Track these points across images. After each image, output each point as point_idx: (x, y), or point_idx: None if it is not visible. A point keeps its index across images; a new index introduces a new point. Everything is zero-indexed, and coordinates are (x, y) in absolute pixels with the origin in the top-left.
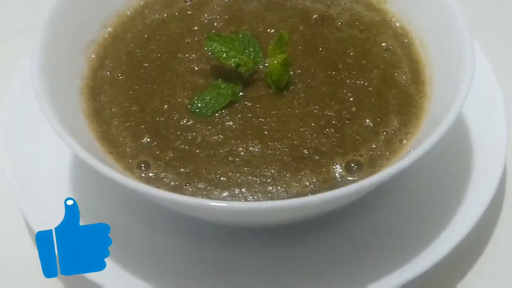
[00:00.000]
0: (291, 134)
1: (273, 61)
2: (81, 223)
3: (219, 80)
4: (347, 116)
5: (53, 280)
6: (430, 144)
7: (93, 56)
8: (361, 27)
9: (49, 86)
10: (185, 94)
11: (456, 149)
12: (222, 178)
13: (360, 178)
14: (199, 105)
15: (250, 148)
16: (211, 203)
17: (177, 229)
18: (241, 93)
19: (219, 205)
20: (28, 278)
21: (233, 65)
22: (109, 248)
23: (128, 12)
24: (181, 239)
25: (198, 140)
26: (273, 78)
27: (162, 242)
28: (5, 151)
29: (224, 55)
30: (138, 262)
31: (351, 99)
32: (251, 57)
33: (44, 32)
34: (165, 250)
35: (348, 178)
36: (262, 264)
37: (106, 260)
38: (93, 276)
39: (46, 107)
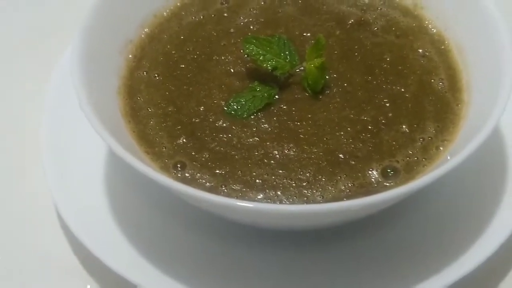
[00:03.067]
0: (326, 138)
1: (310, 64)
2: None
3: (255, 83)
4: (383, 121)
5: (89, 278)
6: (470, 151)
7: (130, 56)
8: (398, 33)
9: (89, 85)
10: (221, 96)
11: (492, 155)
12: (257, 180)
13: (396, 184)
14: (235, 107)
15: (286, 151)
16: (257, 206)
17: (213, 230)
18: (276, 96)
19: (267, 208)
20: (64, 276)
21: (269, 68)
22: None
23: (164, 13)
24: (217, 240)
25: (234, 142)
26: (310, 82)
27: (198, 242)
28: (45, 149)
29: (261, 58)
30: (173, 262)
31: (387, 104)
32: (287, 60)
33: (83, 30)
34: (200, 250)
35: (385, 184)
36: (303, 268)
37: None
38: (128, 275)
39: (86, 105)
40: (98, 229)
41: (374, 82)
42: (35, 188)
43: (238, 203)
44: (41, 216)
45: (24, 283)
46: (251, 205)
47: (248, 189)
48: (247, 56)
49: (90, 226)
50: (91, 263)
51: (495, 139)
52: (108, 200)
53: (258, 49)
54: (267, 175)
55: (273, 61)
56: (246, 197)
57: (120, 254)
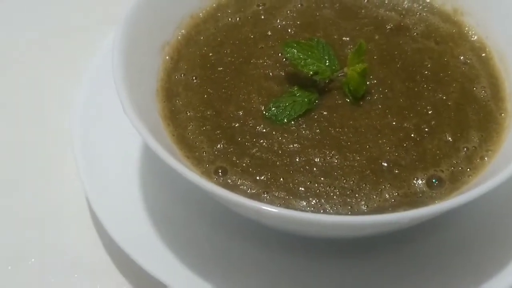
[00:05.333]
0: (369, 146)
1: (352, 70)
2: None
3: (295, 87)
4: (426, 129)
5: (122, 279)
6: None
7: (167, 57)
8: (438, 39)
9: (130, 88)
10: (260, 100)
11: None
12: (300, 188)
13: (441, 194)
14: (275, 112)
15: (328, 158)
16: (307, 216)
17: (245, 234)
18: (316, 102)
19: (313, 218)
20: (97, 276)
21: (310, 73)
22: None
23: (201, 14)
24: (248, 244)
25: (275, 148)
26: (351, 88)
27: (229, 245)
28: (79, 151)
29: (302, 62)
30: (204, 263)
31: (430, 112)
32: (328, 65)
33: (123, 31)
34: (231, 253)
35: (430, 194)
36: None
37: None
38: (160, 275)
39: (129, 109)
40: (132, 229)
41: (415, 89)
42: (68, 187)
43: (283, 213)
44: (74, 216)
45: (56, 283)
46: (296, 215)
47: (291, 196)
48: (287, 60)
49: (123, 225)
50: (124, 263)
51: None
52: (143, 201)
53: (299, 54)
54: (310, 182)
55: (314, 66)
56: (290, 205)
57: (153, 254)
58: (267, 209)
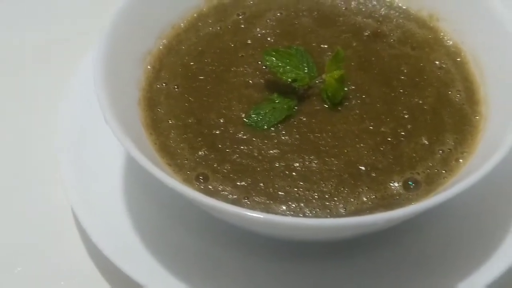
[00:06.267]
0: (347, 150)
1: (330, 76)
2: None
3: (274, 95)
4: (403, 133)
5: (100, 280)
6: (494, 164)
7: (149, 67)
8: (414, 45)
9: (111, 97)
10: (241, 107)
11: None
12: (280, 193)
13: (417, 196)
14: (255, 118)
15: (307, 163)
16: (282, 220)
17: (229, 239)
18: (296, 108)
19: (293, 221)
20: (83, 284)
21: (289, 80)
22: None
23: (182, 24)
24: (233, 249)
25: (255, 153)
26: (329, 94)
27: (214, 250)
28: (65, 160)
29: (281, 70)
30: (189, 269)
31: (406, 116)
32: (306, 72)
33: (105, 42)
34: (216, 258)
35: (406, 196)
36: (319, 277)
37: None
38: (146, 282)
39: (110, 118)
40: (117, 237)
41: (392, 94)
42: (54, 196)
43: (263, 217)
44: (60, 224)
45: None
46: (276, 219)
47: (271, 201)
48: (266, 68)
49: (108, 233)
50: (110, 271)
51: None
52: (127, 208)
53: (278, 61)
54: (290, 187)
55: (293, 73)
56: (270, 209)
57: (139, 262)
58: (245, 213)
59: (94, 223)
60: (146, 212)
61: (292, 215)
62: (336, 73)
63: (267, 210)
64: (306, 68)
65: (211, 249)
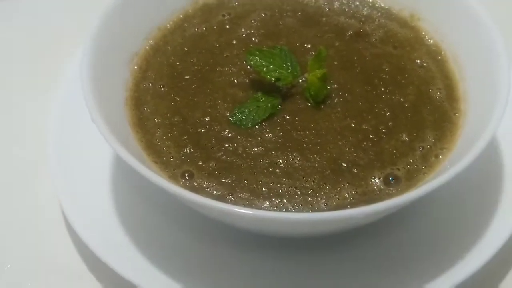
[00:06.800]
0: (329, 147)
1: (312, 75)
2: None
3: (259, 93)
4: (384, 130)
5: (98, 283)
6: (470, 161)
7: (136, 67)
8: (396, 44)
9: (98, 97)
10: (226, 106)
11: (488, 167)
12: (263, 189)
13: (398, 192)
14: (240, 117)
15: (290, 160)
16: (262, 214)
17: (216, 236)
18: (279, 106)
19: (272, 215)
20: (73, 280)
21: (273, 79)
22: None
23: (168, 25)
24: (221, 246)
25: (239, 151)
26: (312, 93)
27: (202, 247)
28: (54, 158)
29: (264, 69)
30: (178, 266)
31: (387, 114)
32: (290, 71)
33: (92, 43)
34: (204, 255)
35: (386, 191)
36: (306, 271)
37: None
38: (129, 276)
39: (97, 117)
40: (106, 235)
41: (374, 92)
42: (42, 194)
43: (245, 212)
44: (49, 221)
45: None
46: (257, 213)
47: (254, 197)
48: (250, 68)
49: (96, 230)
50: (99, 268)
51: (491, 146)
52: (114, 206)
53: (262, 61)
54: (273, 183)
55: (276, 72)
56: (253, 205)
57: (128, 259)
58: (228, 208)
59: (83, 220)
60: (134, 209)
61: (274, 210)
62: (319, 72)
63: (250, 205)
64: (289, 68)
65: (203, 247)
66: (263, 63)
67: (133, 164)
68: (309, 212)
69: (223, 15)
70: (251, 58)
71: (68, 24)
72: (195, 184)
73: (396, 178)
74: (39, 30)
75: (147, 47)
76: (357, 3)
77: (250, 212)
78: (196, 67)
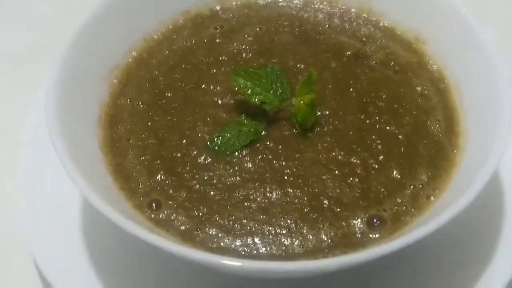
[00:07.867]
0: (312, 181)
1: (300, 101)
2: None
3: (242, 117)
4: (374, 165)
5: None
6: (460, 208)
7: (115, 81)
8: (397, 68)
9: (65, 117)
10: (206, 129)
11: (487, 206)
12: (235, 225)
13: (381, 235)
14: (219, 142)
15: (268, 194)
16: (220, 261)
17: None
18: (263, 132)
19: (230, 263)
20: None
21: (258, 102)
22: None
23: (155, 36)
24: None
25: (214, 180)
26: (298, 119)
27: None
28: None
29: (249, 91)
30: None
31: (379, 146)
32: (278, 93)
33: (63, 59)
34: None
35: (369, 235)
36: None
37: None
38: None
39: (58, 142)
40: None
41: (367, 121)
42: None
43: (203, 258)
44: (15, 262)
45: None
46: (214, 260)
47: (224, 234)
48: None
49: (63, 270)
50: None
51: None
52: (82, 243)
53: (247, 82)
54: (246, 219)
55: (262, 95)
56: (221, 243)
57: None
58: (185, 253)
59: (50, 259)
60: (104, 252)
61: (244, 251)
62: (307, 98)
63: (218, 244)
64: (279, 90)
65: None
66: (248, 85)
67: (88, 197)
68: (281, 254)
69: (215, 28)
70: (235, 78)
71: (50, 32)
72: (161, 216)
73: (381, 220)
74: (22, 38)
75: (129, 59)
76: (359, 21)
77: (210, 258)
78: (179, 84)
